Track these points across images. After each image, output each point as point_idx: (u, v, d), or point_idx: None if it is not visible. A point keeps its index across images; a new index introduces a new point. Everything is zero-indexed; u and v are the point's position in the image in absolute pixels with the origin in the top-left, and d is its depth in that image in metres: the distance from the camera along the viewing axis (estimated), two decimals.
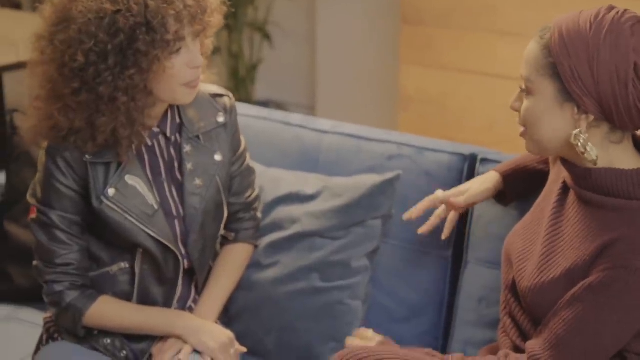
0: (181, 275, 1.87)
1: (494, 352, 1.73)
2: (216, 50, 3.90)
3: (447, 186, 2.02)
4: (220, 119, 1.89)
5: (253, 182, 2.02)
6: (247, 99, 3.93)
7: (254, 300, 2.03)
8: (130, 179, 1.79)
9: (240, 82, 3.96)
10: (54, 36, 1.70)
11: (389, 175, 2.05)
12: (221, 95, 1.93)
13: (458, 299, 2.01)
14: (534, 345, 1.59)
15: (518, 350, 1.67)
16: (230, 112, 1.92)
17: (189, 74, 1.73)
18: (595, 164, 1.55)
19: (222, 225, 1.95)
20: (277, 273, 2.03)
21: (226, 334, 1.84)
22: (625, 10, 1.55)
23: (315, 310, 2.01)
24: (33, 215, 1.81)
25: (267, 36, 3.98)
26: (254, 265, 2.04)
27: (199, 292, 1.93)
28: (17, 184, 2.35)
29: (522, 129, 1.62)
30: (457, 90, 3.30)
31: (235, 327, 1.99)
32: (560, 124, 1.56)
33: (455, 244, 2.04)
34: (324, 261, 2.02)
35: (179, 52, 1.70)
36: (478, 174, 1.99)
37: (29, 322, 2.20)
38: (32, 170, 2.29)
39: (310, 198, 2.08)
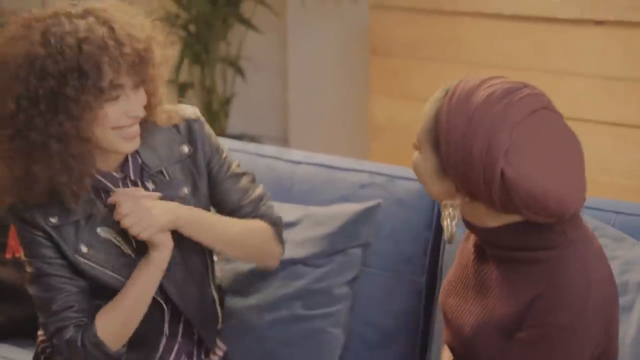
0: (167, 320, 1.83)
1: None
2: (189, 85, 3.95)
3: (420, 214, 2.06)
4: (185, 149, 1.82)
5: (249, 186, 1.91)
6: (221, 133, 3.95)
7: (236, 328, 2.03)
8: (102, 232, 1.75)
9: (214, 116, 3.98)
10: None
11: (369, 203, 2.07)
12: (192, 120, 1.84)
13: (433, 324, 2.03)
14: None
15: None
16: (195, 137, 1.83)
17: (122, 121, 1.67)
18: (450, 242, 1.53)
19: (209, 261, 1.90)
20: (260, 301, 2.04)
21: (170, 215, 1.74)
22: (536, 94, 1.46)
23: (297, 338, 2.01)
24: (28, 272, 1.77)
25: (239, 70, 4.02)
26: (235, 292, 2.05)
27: (205, 348, 1.89)
28: None
29: None
30: None
31: None
32: (441, 192, 1.53)
33: (428, 270, 2.06)
34: (306, 289, 2.03)
35: (117, 100, 1.65)
36: None
37: (7, 358, 2.18)
38: None
39: (291, 225, 2.09)
